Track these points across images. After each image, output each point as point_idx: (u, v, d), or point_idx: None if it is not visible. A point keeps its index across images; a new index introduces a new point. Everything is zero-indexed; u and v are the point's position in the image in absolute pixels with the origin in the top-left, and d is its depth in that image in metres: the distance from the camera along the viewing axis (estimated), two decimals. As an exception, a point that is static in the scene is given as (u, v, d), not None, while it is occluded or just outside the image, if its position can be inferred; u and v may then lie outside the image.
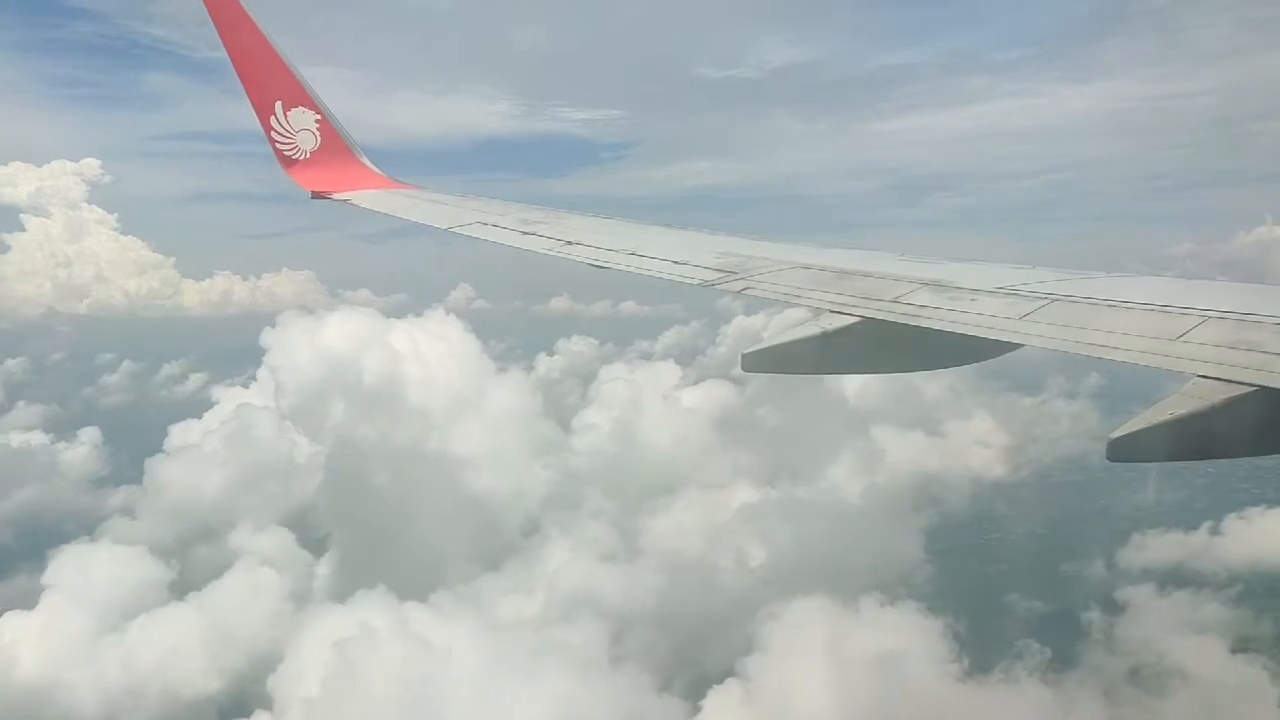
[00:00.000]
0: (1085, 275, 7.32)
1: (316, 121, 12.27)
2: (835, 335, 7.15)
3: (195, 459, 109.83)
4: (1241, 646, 71.29)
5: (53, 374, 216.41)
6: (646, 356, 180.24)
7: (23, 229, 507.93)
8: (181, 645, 73.77)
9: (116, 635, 75.92)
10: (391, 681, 57.77)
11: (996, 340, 6.29)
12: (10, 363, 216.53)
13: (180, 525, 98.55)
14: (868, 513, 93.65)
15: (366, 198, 12.45)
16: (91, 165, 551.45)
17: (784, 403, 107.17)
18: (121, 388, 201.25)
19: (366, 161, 12.98)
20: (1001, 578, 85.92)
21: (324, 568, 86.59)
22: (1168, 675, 67.94)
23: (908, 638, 66.44)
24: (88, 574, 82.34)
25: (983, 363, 7.47)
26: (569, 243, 9.72)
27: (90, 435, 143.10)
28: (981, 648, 69.75)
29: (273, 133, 12.11)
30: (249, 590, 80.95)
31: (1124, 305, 6.30)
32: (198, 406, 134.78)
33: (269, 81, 11.79)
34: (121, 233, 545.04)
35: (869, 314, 6.93)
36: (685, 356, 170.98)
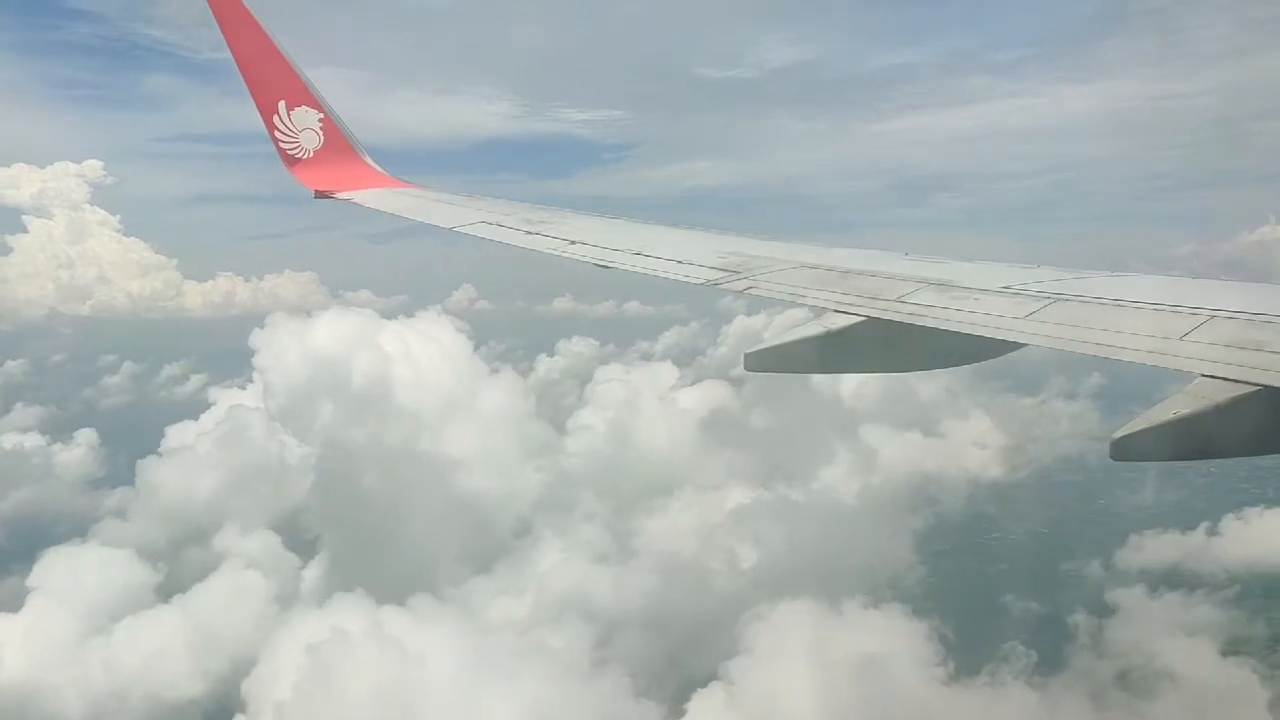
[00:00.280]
0: (1088, 274, 7.34)
1: (320, 121, 12.27)
2: (839, 335, 7.17)
3: (188, 461, 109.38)
4: (1232, 649, 71.26)
5: (53, 376, 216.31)
6: (648, 357, 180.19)
7: (25, 230, 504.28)
8: (166, 648, 73.43)
9: (101, 638, 75.54)
10: (364, 685, 57.35)
11: (1000, 340, 6.30)
12: (11, 364, 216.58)
13: (172, 527, 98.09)
14: (863, 514, 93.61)
15: (370, 197, 12.43)
16: (94, 167, 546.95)
17: (781, 403, 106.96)
18: (122, 389, 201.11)
19: (370, 161, 12.98)
20: (999, 578, 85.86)
21: (313, 570, 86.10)
22: (1157, 678, 67.88)
23: (894, 640, 66.26)
24: (74, 576, 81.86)
25: (981, 363, 7.50)
26: (573, 243, 9.74)
27: (87, 437, 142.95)
28: (969, 650, 69.68)
29: (276, 132, 12.11)
30: (234, 593, 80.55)
31: (1127, 305, 6.33)
32: (196, 408, 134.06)
33: (272, 81, 11.80)
34: (124, 234, 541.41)
35: (872, 313, 6.96)
36: (685, 357, 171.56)
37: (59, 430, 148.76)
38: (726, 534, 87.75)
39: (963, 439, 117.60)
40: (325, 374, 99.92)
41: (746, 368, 7.58)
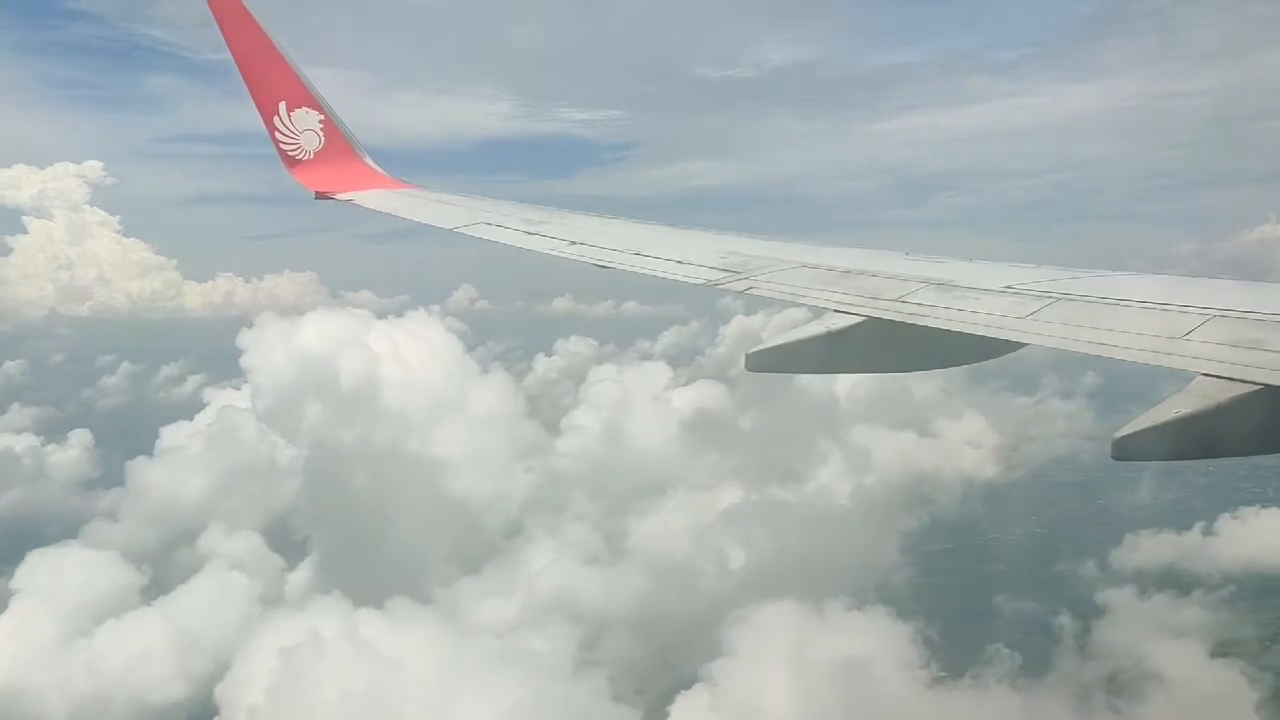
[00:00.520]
0: (1089, 274, 7.36)
1: (320, 122, 12.26)
2: (839, 335, 7.16)
3: (178, 462, 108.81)
4: (1221, 650, 71.33)
5: (52, 376, 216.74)
6: (646, 357, 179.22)
7: (25, 231, 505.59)
8: (150, 651, 72.85)
9: (85, 640, 74.84)
10: (337, 689, 56.73)
11: (1001, 340, 6.33)
12: (10, 365, 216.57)
13: (161, 528, 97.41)
14: (856, 515, 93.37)
15: (370, 198, 12.43)
16: (94, 167, 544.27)
17: (775, 403, 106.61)
18: (119, 390, 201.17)
19: (370, 161, 12.96)
20: (993, 579, 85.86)
21: (302, 572, 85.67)
22: (1145, 679, 67.84)
23: (879, 642, 66.04)
24: (58, 578, 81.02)
25: (979, 363, 7.54)
26: (573, 243, 9.76)
27: (81, 438, 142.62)
28: (954, 652, 69.63)
29: (276, 133, 12.10)
30: (218, 595, 80.00)
31: (1128, 304, 6.37)
32: (192, 409, 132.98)
33: (273, 82, 11.80)
34: (124, 235, 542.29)
35: (873, 313, 6.98)
36: (683, 357, 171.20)
37: (54, 431, 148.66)
38: (718, 535, 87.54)
39: (957, 439, 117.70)
40: (313, 374, 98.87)
41: (747, 368, 7.55)
